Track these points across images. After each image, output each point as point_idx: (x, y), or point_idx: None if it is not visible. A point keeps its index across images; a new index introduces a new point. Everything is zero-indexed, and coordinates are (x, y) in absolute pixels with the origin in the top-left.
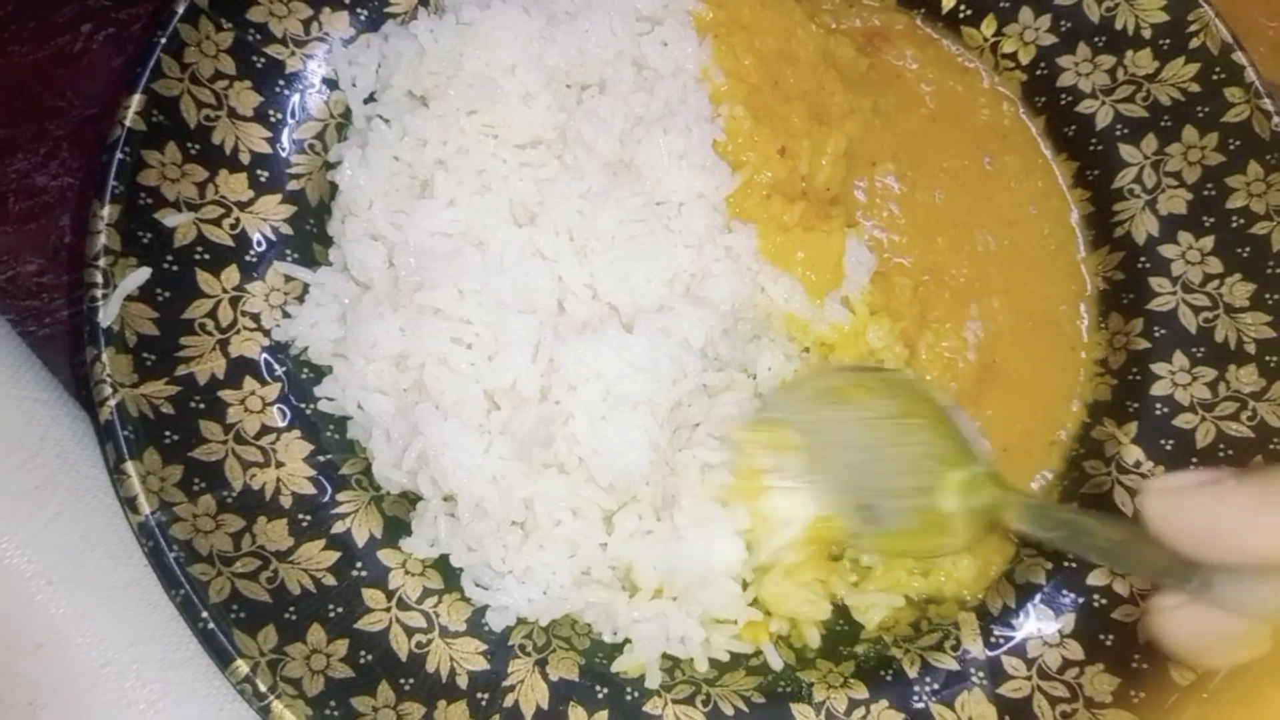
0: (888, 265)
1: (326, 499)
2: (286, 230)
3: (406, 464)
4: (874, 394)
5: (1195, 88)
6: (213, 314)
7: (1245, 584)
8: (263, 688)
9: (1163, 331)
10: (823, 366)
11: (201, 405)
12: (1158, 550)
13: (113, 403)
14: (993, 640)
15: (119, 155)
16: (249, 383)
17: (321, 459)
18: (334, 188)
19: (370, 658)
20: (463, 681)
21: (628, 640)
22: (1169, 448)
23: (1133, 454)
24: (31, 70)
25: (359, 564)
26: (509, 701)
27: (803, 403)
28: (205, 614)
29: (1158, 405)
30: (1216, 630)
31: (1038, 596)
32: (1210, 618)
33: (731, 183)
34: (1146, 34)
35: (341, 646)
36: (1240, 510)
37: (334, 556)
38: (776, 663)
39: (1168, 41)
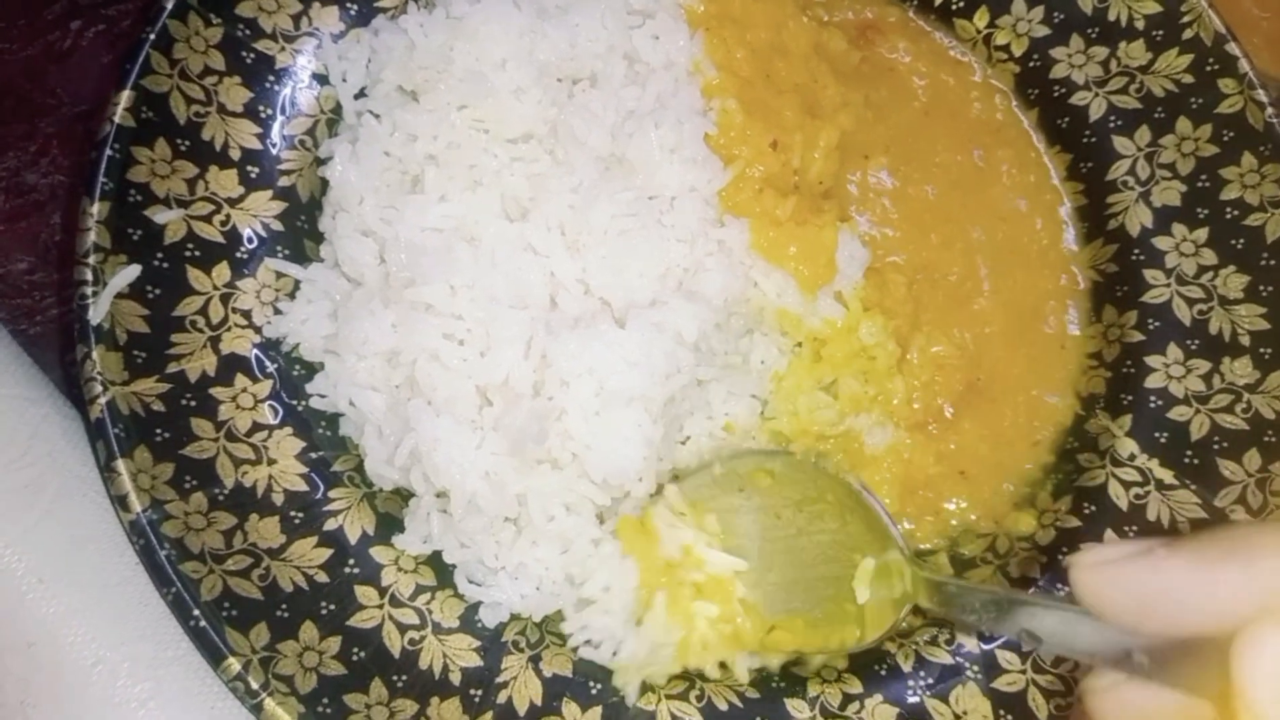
0: (882, 261)
1: (318, 496)
2: (277, 226)
3: (399, 460)
4: (777, 480)
5: (1189, 79)
6: (203, 311)
7: (1184, 657)
8: (255, 685)
9: (1157, 324)
10: (725, 450)
11: (192, 403)
12: (1093, 626)
13: (103, 400)
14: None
15: (108, 152)
16: (240, 380)
17: (313, 456)
18: (325, 183)
19: (363, 655)
20: (456, 678)
21: None
22: (1163, 440)
23: (1127, 447)
24: (21, 67)
25: (351, 561)
26: (502, 698)
27: (709, 489)
28: (197, 612)
29: (1152, 398)
30: (1157, 707)
31: (1032, 590)
32: (1150, 695)
33: (723, 177)
34: (1139, 25)
35: (334, 644)
36: (1174, 579)
37: (326, 554)
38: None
39: (1161, 33)
